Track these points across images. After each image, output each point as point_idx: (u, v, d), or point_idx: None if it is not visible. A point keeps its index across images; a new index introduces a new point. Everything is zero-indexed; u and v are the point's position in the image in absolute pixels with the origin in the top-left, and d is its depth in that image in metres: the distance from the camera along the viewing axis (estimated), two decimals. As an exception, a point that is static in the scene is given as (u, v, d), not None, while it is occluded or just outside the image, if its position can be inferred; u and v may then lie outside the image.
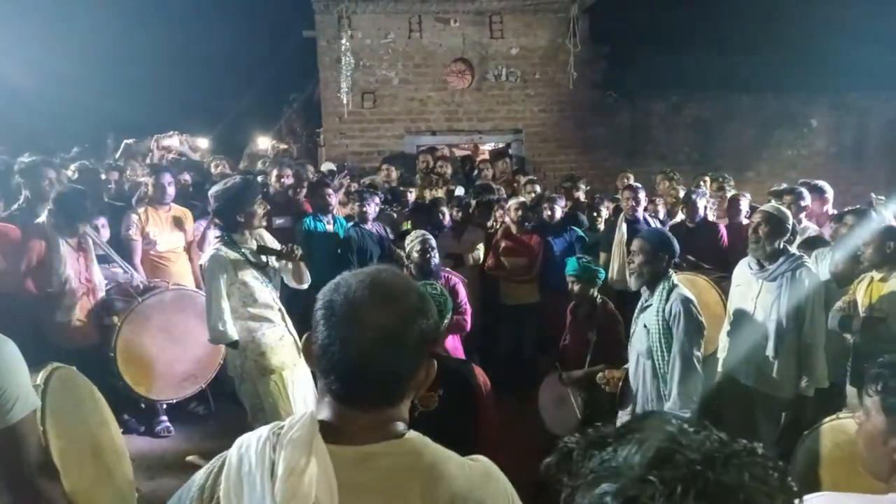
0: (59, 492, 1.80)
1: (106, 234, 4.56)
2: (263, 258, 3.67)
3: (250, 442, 1.03)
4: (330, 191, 5.52)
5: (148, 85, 9.92)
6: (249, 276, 3.54)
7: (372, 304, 1.06)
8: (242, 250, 3.55)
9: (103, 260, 4.47)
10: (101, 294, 4.28)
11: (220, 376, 4.85)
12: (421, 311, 1.10)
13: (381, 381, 1.08)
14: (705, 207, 5.61)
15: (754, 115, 9.55)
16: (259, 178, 6.38)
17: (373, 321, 1.05)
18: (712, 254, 5.07)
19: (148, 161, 6.83)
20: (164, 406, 4.73)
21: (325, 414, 1.08)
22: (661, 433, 0.65)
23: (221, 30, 10.82)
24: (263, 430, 1.04)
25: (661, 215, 6.01)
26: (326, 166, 7.52)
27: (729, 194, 6.01)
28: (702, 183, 6.56)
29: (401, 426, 1.11)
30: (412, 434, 1.10)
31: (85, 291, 4.18)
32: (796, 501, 0.62)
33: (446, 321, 2.82)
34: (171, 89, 10.22)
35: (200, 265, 5.05)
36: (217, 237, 3.67)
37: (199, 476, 1.07)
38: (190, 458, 3.23)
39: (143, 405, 4.63)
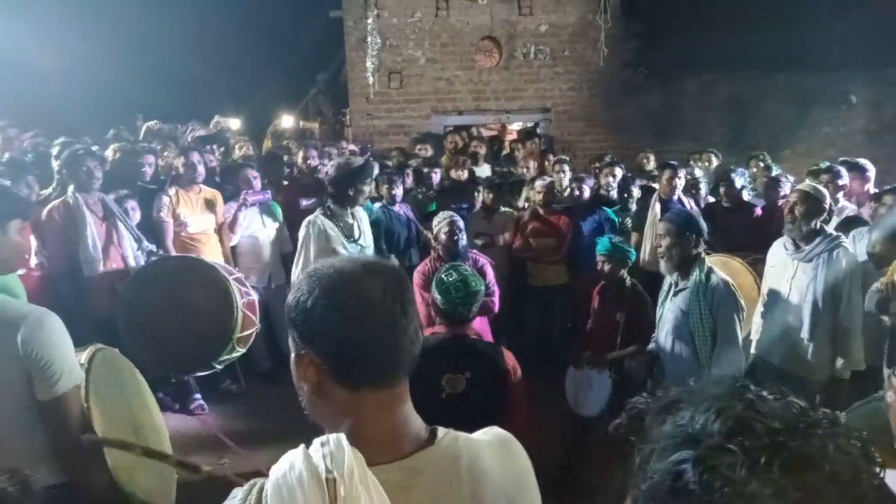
0: (101, 463, 1.87)
1: (136, 216, 4.64)
2: (356, 233, 3.91)
3: (293, 486, 0.90)
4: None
5: (176, 68, 9.98)
6: (340, 247, 3.74)
7: (372, 281, 1.04)
8: (339, 224, 3.81)
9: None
10: (133, 263, 4.35)
11: (254, 356, 4.94)
12: (407, 284, 1.10)
13: (404, 349, 1.06)
14: (742, 187, 5.49)
15: (790, 92, 9.26)
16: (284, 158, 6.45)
17: (379, 295, 1.03)
18: (748, 235, 4.97)
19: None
20: (198, 384, 4.84)
21: (351, 428, 1.02)
22: (739, 400, 0.63)
23: (249, 11, 10.84)
24: (299, 467, 0.92)
25: (703, 194, 5.90)
26: (349, 148, 7.52)
27: (773, 174, 5.87)
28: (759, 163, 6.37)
29: (422, 424, 1.10)
30: (441, 433, 1.09)
31: (111, 260, 4.29)
32: (879, 471, 0.60)
33: (476, 305, 2.82)
34: (199, 72, 10.27)
35: (232, 246, 5.14)
36: (319, 209, 3.89)
37: None
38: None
39: (173, 380, 4.71)
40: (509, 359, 2.70)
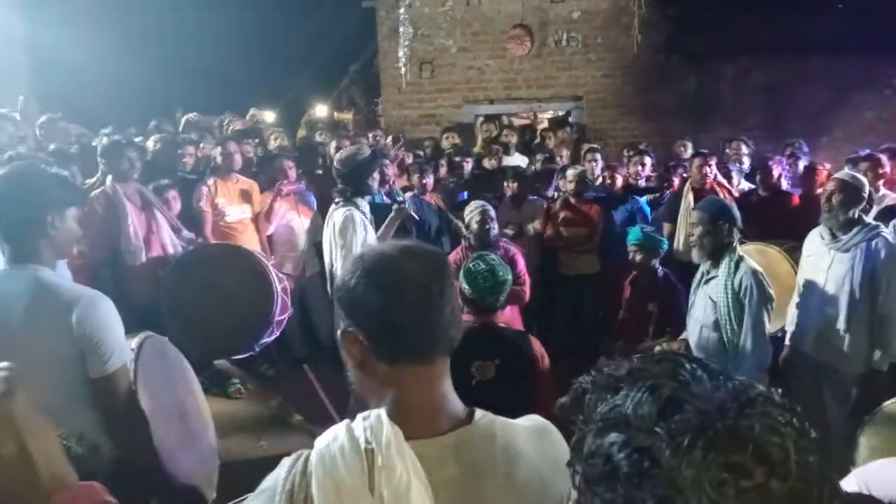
0: (148, 440, 1.97)
1: (177, 206, 4.77)
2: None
3: (335, 455, 0.99)
4: (387, 161, 5.59)
5: (212, 62, 10.19)
6: (372, 236, 3.86)
7: (411, 263, 1.11)
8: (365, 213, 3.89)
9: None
10: (171, 251, 4.47)
11: (290, 342, 5.06)
12: (446, 266, 1.16)
13: (441, 328, 1.11)
14: (780, 176, 5.39)
15: (829, 77, 9.01)
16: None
17: (417, 275, 1.09)
18: (785, 224, 4.89)
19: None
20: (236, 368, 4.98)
21: (391, 403, 1.09)
22: (673, 380, 0.63)
23: (282, 3, 10.97)
24: (342, 438, 1.00)
25: (735, 183, 5.82)
26: (380, 138, 7.58)
27: (804, 162, 5.76)
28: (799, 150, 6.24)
29: (461, 405, 1.14)
30: (479, 415, 1.13)
31: (150, 249, 4.40)
32: (809, 445, 0.60)
33: (504, 294, 2.85)
34: (234, 66, 10.47)
35: (268, 235, 5.27)
36: (341, 200, 3.91)
37: (280, 480, 1.03)
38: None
39: (215, 363, 4.85)
40: (537, 346, 2.73)
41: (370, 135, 7.11)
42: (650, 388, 0.63)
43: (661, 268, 4.02)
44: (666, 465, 0.57)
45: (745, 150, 6.43)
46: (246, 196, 5.16)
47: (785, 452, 0.57)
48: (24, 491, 0.60)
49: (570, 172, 5.52)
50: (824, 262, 3.41)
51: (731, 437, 0.58)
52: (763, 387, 0.64)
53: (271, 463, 1.10)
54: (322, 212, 5.30)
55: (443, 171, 6.20)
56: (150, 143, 5.35)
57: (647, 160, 5.91)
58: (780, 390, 0.65)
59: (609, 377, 0.68)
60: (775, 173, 5.28)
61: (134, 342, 2.20)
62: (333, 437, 1.01)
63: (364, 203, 3.97)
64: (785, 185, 5.55)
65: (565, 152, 6.77)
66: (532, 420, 1.19)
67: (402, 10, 8.54)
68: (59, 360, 1.89)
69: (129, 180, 4.40)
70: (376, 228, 4.09)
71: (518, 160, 7.03)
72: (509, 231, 5.25)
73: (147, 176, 4.68)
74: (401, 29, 8.55)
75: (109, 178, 4.35)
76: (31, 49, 9.33)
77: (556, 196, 5.83)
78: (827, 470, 0.59)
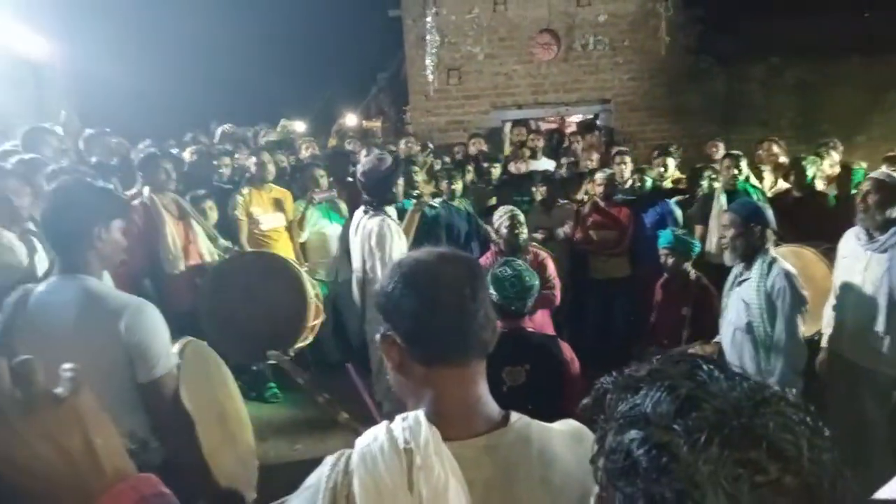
0: (194, 443, 2.03)
1: (214, 215, 4.89)
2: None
3: (375, 455, 1.02)
4: (416, 168, 5.65)
5: (245, 76, 10.46)
6: (404, 243, 3.92)
7: (445, 267, 1.16)
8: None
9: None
10: (208, 259, 4.58)
11: (324, 348, 5.14)
12: (479, 272, 1.21)
13: (473, 330, 1.15)
14: (814, 176, 5.30)
15: (864, 76, 8.82)
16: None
17: (451, 279, 1.14)
18: (820, 225, 4.81)
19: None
20: (272, 373, 5.07)
21: (428, 405, 1.12)
22: (690, 380, 0.66)
23: (310, 16, 11.18)
24: (382, 439, 1.04)
25: (767, 184, 5.74)
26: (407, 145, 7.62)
27: (837, 159, 5.65)
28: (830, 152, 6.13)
29: (496, 407, 1.17)
30: (514, 417, 1.16)
31: (188, 257, 4.52)
32: (822, 443, 0.62)
33: (531, 300, 2.86)
34: (266, 78, 10.72)
35: (302, 242, 5.37)
36: (371, 210, 3.92)
37: (324, 479, 1.06)
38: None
39: (254, 368, 4.95)
40: (567, 350, 2.74)
41: (402, 141, 7.18)
42: (668, 387, 0.66)
43: (693, 270, 3.99)
44: (683, 461, 0.60)
45: (776, 150, 6.33)
46: (279, 205, 5.27)
47: (798, 449, 0.60)
48: (90, 480, 0.65)
49: (599, 176, 5.51)
50: (861, 263, 3.35)
51: (745, 434, 0.60)
52: (778, 388, 0.67)
53: (307, 466, 1.13)
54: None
55: (469, 176, 6.24)
56: (186, 155, 5.50)
57: (670, 162, 5.86)
58: (793, 391, 0.68)
59: (629, 378, 0.71)
60: (809, 173, 5.19)
61: (175, 347, 2.27)
62: (374, 437, 1.05)
63: (392, 210, 4.03)
64: (820, 185, 5.46)
65: (595, 156, 6.75)
66: (568, 424, 1.21)
67: (428, 19, 8.62)
68: (109, 367, 1.96)
69: (166, 191, 4.52)
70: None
71: (545, 164, 7.03)
72: (538, 235, 5.25)
73: (184, 186, 4.80)
74: (427, 37, 8.63)
75: (147, 189, 4.49)
76: (72, 67, 9.66)
77: (584, 199, 5.82)
78: (840, 466, 0.61)
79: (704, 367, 0.68)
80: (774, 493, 0.58)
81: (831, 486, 0.60)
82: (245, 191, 5.13)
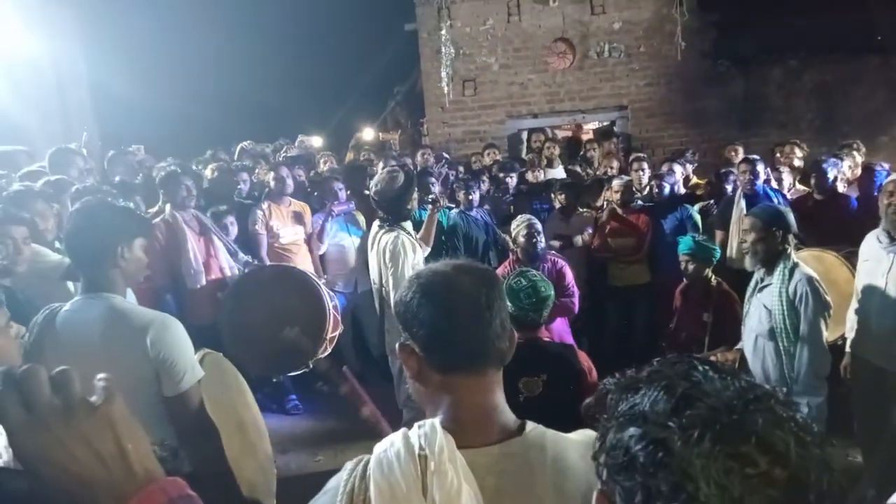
0: (219, 453, 2.07)
1: (234, 230, 4.96)
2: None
3: (391, 460, 1.05)
4: (433, 179, 5.68)
5: (263, 91, 10.68)
6: (420, 256, 3.96)
7: (462, 278, 1.19)
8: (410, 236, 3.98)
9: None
10: (228, 273, 4.63)
11: (345, 358, 5.17)
12: (495, 283, 1.23)
13: (489, 339, 1.17)
14: (835, 178, 5.24)
15: (885, 75, 8.69)
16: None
17: (467, 289, 1.17)
18: (842, 228, 4.74)
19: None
20: (293, 385, 5.12)
21: (445, 413, 1.15)
22: (686, 380, 0.70)
23: (327, 32, 11.35)
24: (398, 445, 1.06)
25: (787, 187, 5.67)
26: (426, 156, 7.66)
27: (859, 161, 5.57)
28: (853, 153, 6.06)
29: (512, 417, 1.19)
30: (530, 427, 1.18)
31: (210, 272, 4.57)
32: (810, 438, 0.65)
33: (546, 310, 2.86)
34: (283, 93, 10.90)
35: (321, 255, 5.43)
36: (386, 225, 3.97)
37: (342, 483, 1.09)
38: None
39: (274, 380, 4.99)
40: (584, 359, 2.72)
41: (419, 153, 7.23)
42: (665, 387, 0.70)
43: (714, 276, 3.95)
44: (678, 455, 0.64)
45: (797, 153, 6.27)
46: (298, 218, 5.33)
47: (786, 444, 0.63)
48: (122, 482, 0.69)
49: (616, 183, 5.50)
50: (883, 265, 3.30)
51: (737, 430, 0.64)
52: (769, 387, 0.70)
53: (329, 477, 1.16)
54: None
55: (484, 186, 6.25)
56: (207, 172, 5.59)
57: (677, 167, 5.84)
58: (784, 389, 0.71)
59: (630, 379, 0.76)
60: (830, 176, 5.13)
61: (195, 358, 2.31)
62: (391, 443, 1.08)
63: (408, 224, 4.05)
64: (841, 187, 5.39)
65: (615, 163, 6.72)
66: (584, 434, 1.21)
67: (443, 32, 8.69)
68: (136, 382, 2.01)
69: (188, 208, 4.60)
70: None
71: (562, 172, 7.03)
72: (556, 243, 5.25)
73: (205, 202, 4.88)
74: (442, 49, 8.69)
75: (168, 206, 4.57)
76: (95, 87, 9.91)
77: (603, 206, 5.81)
78: (829, 461, 0.64)
79: (700, 367, 0.72)
80: (764, 484, 0.61)
81: (818, 479, 0.63)
82: (265, 205, 5.21)
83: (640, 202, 5.64)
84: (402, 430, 1.10)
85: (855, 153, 6.03)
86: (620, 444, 0.69)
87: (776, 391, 0.69)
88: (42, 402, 0.67)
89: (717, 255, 4.05)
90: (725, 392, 0.67)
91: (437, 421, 1.10)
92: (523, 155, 8.08)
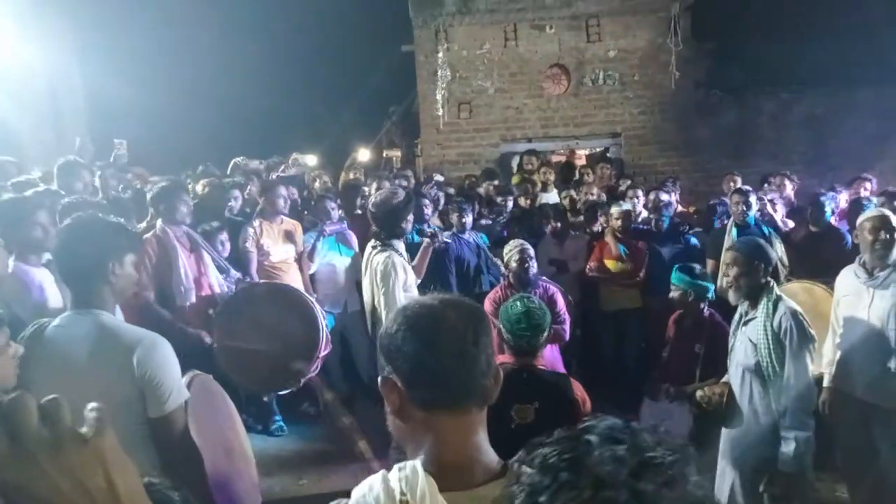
0: (202, 477, 2.03)
1: (227, 248, 4.92)
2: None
3: None
4: (426, 201, 5.68)
5: (258, 107, 10.70)
6: (412, 278, 3.95)
7: (448, 312, 1.17)
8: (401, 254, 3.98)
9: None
10: (218, 291, 4.57)
11: (331, 380, 5.12)
12: (482, 319, 1.21)
13: (473, 376, 1.15)
14: (832, 211, 5.29)
15: (875, 108, 8.81)
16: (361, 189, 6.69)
17: (453, 324, 1.15)
18: (837, 261, 4.76)
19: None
20: (278, 406, 5.05)
21: (427, 453, 1.13)
22: (571, 451, 0.70)
23: (324, 50, 11.43)
24: (377, 489, 1.04)
25: (780, 218, 5.71)
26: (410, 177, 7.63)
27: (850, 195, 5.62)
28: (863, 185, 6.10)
29: (495, 457, 1.17)
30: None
31: (200, 289, 4.51)
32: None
33: (543, 336, 2.84)
34: (279, 110, 10.93)
35: (311, 274, 5.39)
36: (380, 245, 3.98)
37: None
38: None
39: (265, 399, 4.92)
40: (578, 389, 2.70)
41: (406, 173, 7.23)
42: (547, 459, 0.72)
43: (706, 307, 3.95)
44: None
45: (788, 185, 6.33)
46: (289, 236, 5.30)
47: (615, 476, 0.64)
48: None
49: (616, 210, 5.50)
50: (864, 300, 3.31)
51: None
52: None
53: (312, 501, 1.15)
54: (363, 250, 5.42)
55: (478, 208, 6.26)
56: (198, 188, 5.56)
57: (663, 196, 5.86)
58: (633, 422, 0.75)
59: (537, 444, 0.77)
60: (828, 210, 5.16)
61: (183, 380, 2.27)
62: (370, 487, 1.05)
63: (400, 244, 4.04)
64: (833, 220, 5.43)
65: (605, 187, 6.74)
66: None
67: (440, 54, 8.78)
68: (121, 401, 1.97)
69: (179, 223, 4.55)
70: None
71: (555, 197, 7.06)
72: (551, 268, 5.24)
73: (196, 218, 4.84)
74: (439, 72, 8.77)
75: (159, 221, 4.53)
76: (88, 96, 9.90)
77: (600, 230, 5.80)
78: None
79: (594, 432, 0.72)
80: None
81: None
82: (256, 223, 5.18)
83: (639, 228, 5.65)
84: (382, 472, 1.06)
85: (867, 183, 6.04)
86: None
87: (677, 460, 0.68)
88: (29, 432, 0.64)
89: (711, 291, 4.01)
90: (613, 463, 0.67)
91: (418, 463, 1.07)
92: (512, 176, 8.08)
